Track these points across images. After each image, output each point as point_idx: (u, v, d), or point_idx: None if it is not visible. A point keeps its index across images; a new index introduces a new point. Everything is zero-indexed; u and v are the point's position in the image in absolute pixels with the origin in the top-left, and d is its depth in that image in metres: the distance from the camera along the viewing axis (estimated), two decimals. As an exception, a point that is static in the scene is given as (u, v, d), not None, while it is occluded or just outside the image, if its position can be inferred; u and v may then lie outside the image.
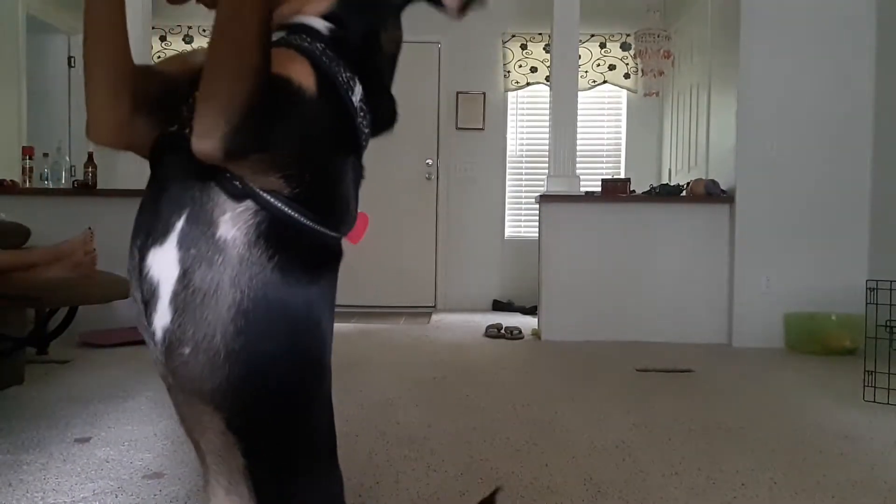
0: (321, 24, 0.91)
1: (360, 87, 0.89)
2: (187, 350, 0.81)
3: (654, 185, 4.79)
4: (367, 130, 0.91)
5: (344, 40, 0.91)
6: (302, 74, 0.82)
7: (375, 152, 1.02)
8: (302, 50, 0.86)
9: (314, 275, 0.86)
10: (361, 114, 0.89)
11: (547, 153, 4.77)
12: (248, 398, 0.83)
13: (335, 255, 0.91)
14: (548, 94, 5.10)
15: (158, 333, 0.82)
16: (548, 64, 5.62)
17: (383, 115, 0.95)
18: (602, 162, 6.18)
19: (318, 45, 0.88)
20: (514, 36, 6.07)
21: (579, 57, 4.95)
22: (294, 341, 0.86)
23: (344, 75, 0.87)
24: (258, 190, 0.80)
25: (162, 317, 0.81)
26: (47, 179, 4.52)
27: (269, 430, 0.87)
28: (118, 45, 0.86)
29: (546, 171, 4.75)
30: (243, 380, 0.82)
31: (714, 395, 3.04)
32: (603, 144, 6.20)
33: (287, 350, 0.85)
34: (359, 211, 0.94)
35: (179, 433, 1.76)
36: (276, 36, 0.88)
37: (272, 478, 0.87)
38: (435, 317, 5.50)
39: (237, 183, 0.79)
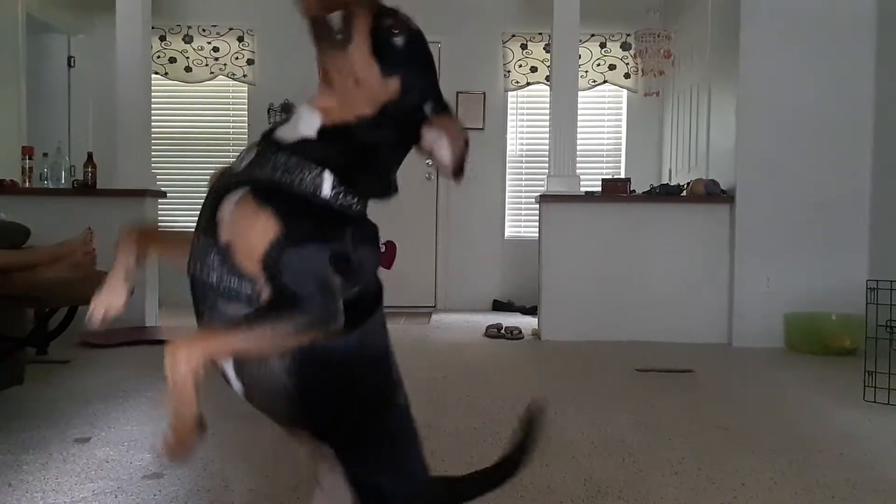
0: (314, 129, 1.01)
1: (331, 175, 0.99)
2: (261, 402, 1.05)
3: (654, 185, 4.79)
4: (354, 201, 1.02)
5: (331, 143, 1.01)
6: (268, 230, 0.93)
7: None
8: (261, 194, 0.96)
9: (349, 326, 0.99)
10: (337, 195, 0.99)
11: (547, 153, 4.77)
12: (317, 419, 1.05)
13: (368, 301, 1.06)
14: (548, 94, 5.10)
15: (239, 392, 1.04)
16: (548, 64, 5.62)
17: (373, 188, 1.05)
18: (602, 162, 6.17)
19: (280, 157, 0.98)
20: (514, 36, 6.07)
21: (579, 57, 4.95)
22: (345, 371, 1.04)
23: (306, 179, 0.97)
24: None
25: (236, 384, 1.02)
26: (47, 179, 4.52)
27: (348, 435, 1.07)
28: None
29: (546, 171, 4.75)
30: (308, 411, 1.04)
31: (714, 395, 3.04)
32: (603, 144, 6.20)
33: (342, 379, 1.04)
34: (388, 240, 1.06)
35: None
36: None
37: (361, 468, 1.07)
38: (435, 317, 5.50)
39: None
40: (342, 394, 1.05)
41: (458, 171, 1.06)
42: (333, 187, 0.98)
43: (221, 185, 1.00)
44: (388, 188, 1.07)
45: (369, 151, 1.02)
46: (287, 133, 1.01)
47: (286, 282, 0.92)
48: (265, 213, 0.93)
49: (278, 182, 0.96)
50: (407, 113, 1.02)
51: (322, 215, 0.98)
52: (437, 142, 1.05)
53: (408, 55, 1.01)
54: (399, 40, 1.00)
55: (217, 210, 0.98)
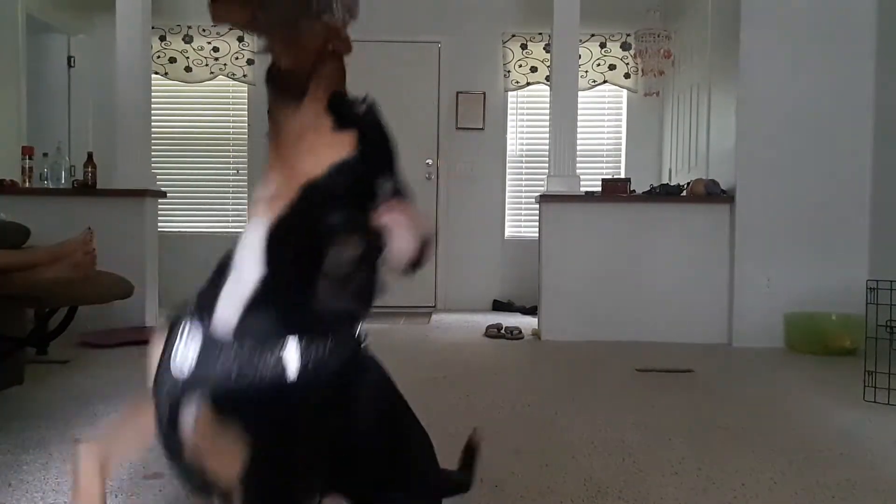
0: (255, 263, 0.93)
1: (295, 345, 0.91)
2: None
3: (654, 185, 4.79)
4: (330, 354, 0.94)
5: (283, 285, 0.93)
6: (236, 453, 0.88)
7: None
8: (221, 404, 0.90)
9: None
10: (307, 364, 0.91)
11: (547, 153, 4.77)
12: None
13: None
14: (548, 94, 5.09)
15: None
16: (548, 64, 5.62)
17: (347, 313, 1.03)
18: (602, 162, 6.18)
19: (230, 351, 0.90)
20: (514, 36, 6.07)
21: (579, 57, 4.95)
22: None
23: (267, 368, 0.89)
24: None
25: None
26: (47, 179, 4.52)
27: (353, 486, 1.06)
28: None
29: (546, 171, 4.75)
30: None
31: (714, 395, 3.04)
32: (603, 144, 6.20)
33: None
34: None
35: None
36: None
37: (366, 494, 1.07)
38: (435, 317, 5.50)
39: None
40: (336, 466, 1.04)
41: (414, 263, 0.98)
42: (300, 356, 0.90)
43: (172, 390, 0.93)
44: (361, 304, 1.02)
45: (325, 240, 0.93)
46: (230, 300, 0.93)
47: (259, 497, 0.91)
48: (230, 434, 0.88)
49: (236, 385, 0.89)
50: (360, 178, 0.96)
51: (294, 406, 0.91)
52: (391, 228, 0.97)
53: (364, 119, 0.99)
54: (358, 107, 0.99)
55: (175, 415, 0.92)
